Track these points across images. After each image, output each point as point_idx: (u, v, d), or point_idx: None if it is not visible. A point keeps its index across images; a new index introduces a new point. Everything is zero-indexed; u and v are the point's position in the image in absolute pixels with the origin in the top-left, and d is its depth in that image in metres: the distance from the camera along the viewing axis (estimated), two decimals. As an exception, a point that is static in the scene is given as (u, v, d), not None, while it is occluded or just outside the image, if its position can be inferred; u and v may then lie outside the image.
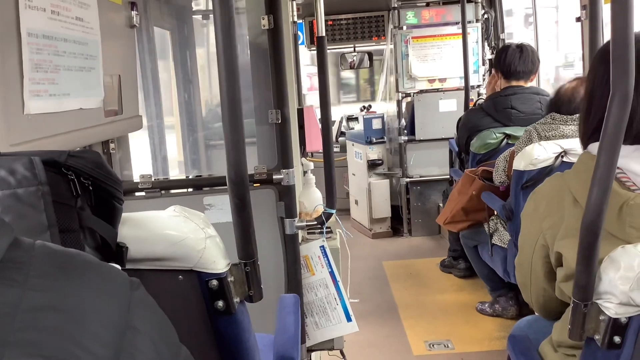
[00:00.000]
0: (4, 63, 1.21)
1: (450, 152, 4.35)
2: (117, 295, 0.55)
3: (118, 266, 0.93)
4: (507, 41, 4.74)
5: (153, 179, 2.12)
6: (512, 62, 3.36)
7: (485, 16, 4.98)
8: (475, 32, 4.93)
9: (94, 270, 0.56)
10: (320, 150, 2.73)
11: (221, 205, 2.07)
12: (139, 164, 2.64)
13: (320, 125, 2.57)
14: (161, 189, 2.12)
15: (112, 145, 2.22)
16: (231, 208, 1.21)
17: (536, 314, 1.95)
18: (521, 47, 3.38)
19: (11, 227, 0.53)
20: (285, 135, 2.05)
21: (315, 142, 4.11)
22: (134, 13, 2.14)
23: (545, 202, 1.42)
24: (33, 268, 0.51)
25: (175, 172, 3.33)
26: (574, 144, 2.56)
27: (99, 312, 0.52)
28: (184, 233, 1.09)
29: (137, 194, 2.13)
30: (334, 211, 2.15)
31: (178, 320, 0.67)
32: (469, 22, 4.74)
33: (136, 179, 2.16)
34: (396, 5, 4.94)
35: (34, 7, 1.30)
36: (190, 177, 2.83)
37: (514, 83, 3.41)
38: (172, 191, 2.22)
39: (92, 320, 0.50)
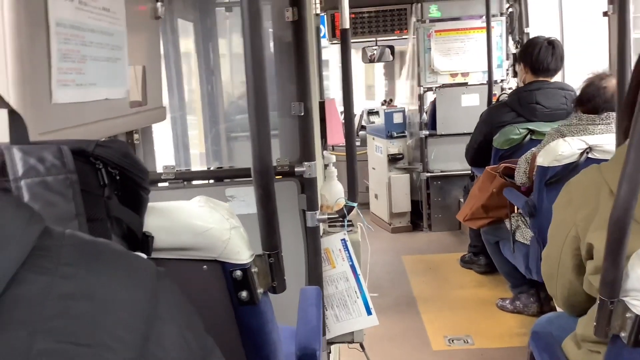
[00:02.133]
0: (32, 52, 1.22)
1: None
2: (145, 284, 0.55)
3: (144, 255, 0.94)
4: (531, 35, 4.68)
5: (176, 170, 2.14)
6: (545, 59, 3.32)
7: (510, 10, 4.93)
8: (499, 26, 4.87)
9: (122, 260, 0.57)
10: (341, 144, 2.72)
11: (243, 197, 2.08)
12: (162, 155, 2.66)
13: (341, 118, 2.57)
14: (184, 180, 2.13)
15: (136, 136, 2.24)
16: (256, 199, 1.21)
17: (558, 310, 1.93)
18: (553, 44, 3.33)
19: (41, 216, 0.53)
20: (308, 127, 2.05)
21: (336, 135, 4.11)
22: (158, 4, 2.15)
23: (580, 194, 1.40)
24: (63, 257, 0.51)
25: (197, 164, 3.35)
26: (600, 140, 2.53)
27: (127, 300, 0.52)
28: (209, 223, 1.09)
29: (160, 184, 2.15)
30: (355, 204, 2.14)
31: (202, 309, 0.67)
32: (493, 15, 4.69)
33: (159, 169, 2.18)
34: (419, -1, 4.91)
35: (62, -2, 1.31)
36: (212, 168, 2.85)
37: (541, 78, 3.38)
38: (195, 182, 2.24)
39: (120, 309, 0.51)
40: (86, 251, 0.54)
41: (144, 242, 1.03)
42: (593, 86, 2.65)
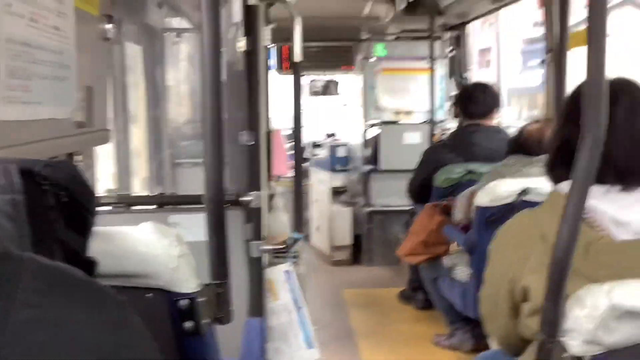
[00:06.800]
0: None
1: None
2: (107, 312, 0.54)
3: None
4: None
5: (118, 194, 2.09)
6: (476, 104, 3.47)
7: (452, 53, 5.10)
8: (442, 68, 5.03)
9: (84, 287, 0.55)
10: (285, 175, 2.72)
11: (187, 224, 2.04)
12: (104, 178, 2.59)
13: (285, 150, 2.57)
14: (127, 204, 2.08)
15: (78, 158, 2.17)
16: (207, 227, 1.20)
17: (493, 349, 1.97)
18: (483, 88, 3.50)
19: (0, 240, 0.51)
20: (256, 157, 2.04)
21: (281, 166, 4.12)
22: (109, 26, 2.12)
23: (514, 237, 1.44)
24: (22, 282, 0.49)
25: (139, 188, 3.27)
26: (537, 183, 2.62)
27: (90, 328, 0.50)
28: (157, 249, 1.07)
29: (101, 208, 2.08)
30: (301, 236, 2.14)
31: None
32: (437, 58, 4.84)
33: (100, 192, 2.12)
34: (366, 37, 5.02)
35: (14, 14, 1.27)
36: (154, 194, 2.79)
37: (476, 121, 3.51)
38: (137, 207, 2.18)
39: (83, 337, 0.49)
40: (47, 277, 0.53)
41: (88, 267, 1.00)
42: (526, 132, 2.79)
